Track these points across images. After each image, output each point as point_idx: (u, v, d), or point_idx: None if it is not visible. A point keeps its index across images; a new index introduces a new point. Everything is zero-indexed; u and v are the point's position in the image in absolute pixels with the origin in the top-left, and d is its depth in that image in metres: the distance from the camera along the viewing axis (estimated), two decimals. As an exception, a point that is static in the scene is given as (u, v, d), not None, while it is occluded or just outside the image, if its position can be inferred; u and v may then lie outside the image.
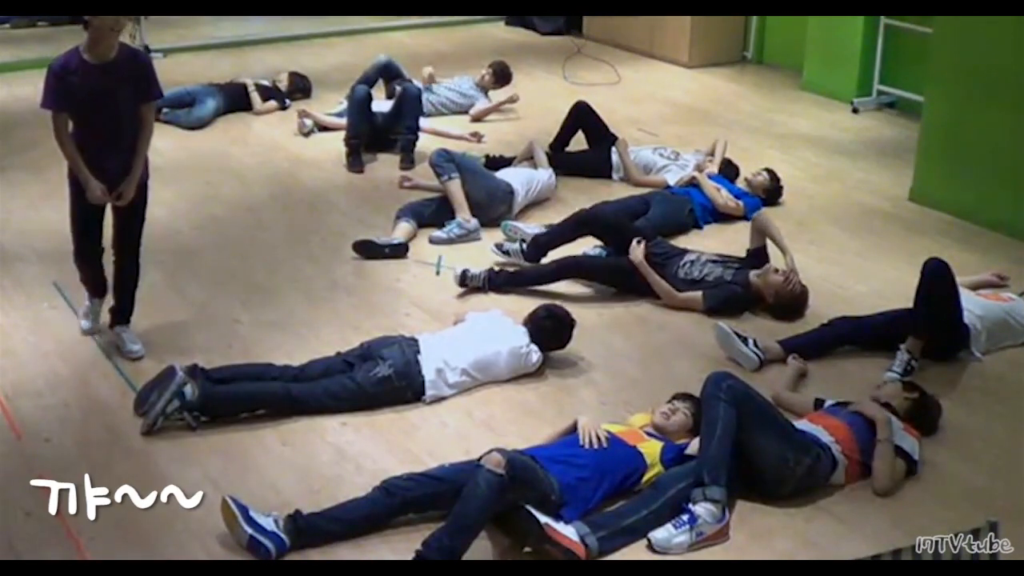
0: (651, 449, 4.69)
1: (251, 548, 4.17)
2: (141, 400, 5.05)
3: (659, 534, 4.30)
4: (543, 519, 4.19)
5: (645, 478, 4.61)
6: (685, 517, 4.32)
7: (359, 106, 8.31)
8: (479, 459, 4.30)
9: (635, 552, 4.29)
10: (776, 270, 6.17)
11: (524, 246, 6.60)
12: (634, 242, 6.29)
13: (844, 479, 4.71)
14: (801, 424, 4.80)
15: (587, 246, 6.70)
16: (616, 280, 6.35)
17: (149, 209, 5.68)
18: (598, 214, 6.78)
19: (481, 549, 4.28)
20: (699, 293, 6.13)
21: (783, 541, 4.40)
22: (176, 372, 4.96)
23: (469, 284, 6.30)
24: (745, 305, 6.16)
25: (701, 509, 4.32)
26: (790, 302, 6.11)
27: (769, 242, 6.35)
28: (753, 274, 6.18)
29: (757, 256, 6.31)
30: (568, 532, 4.22)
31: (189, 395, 4.92)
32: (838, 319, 5.88)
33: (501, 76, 9.54)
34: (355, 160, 8.22)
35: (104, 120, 5.32)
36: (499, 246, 6.70)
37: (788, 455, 4.53)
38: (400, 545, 4.29)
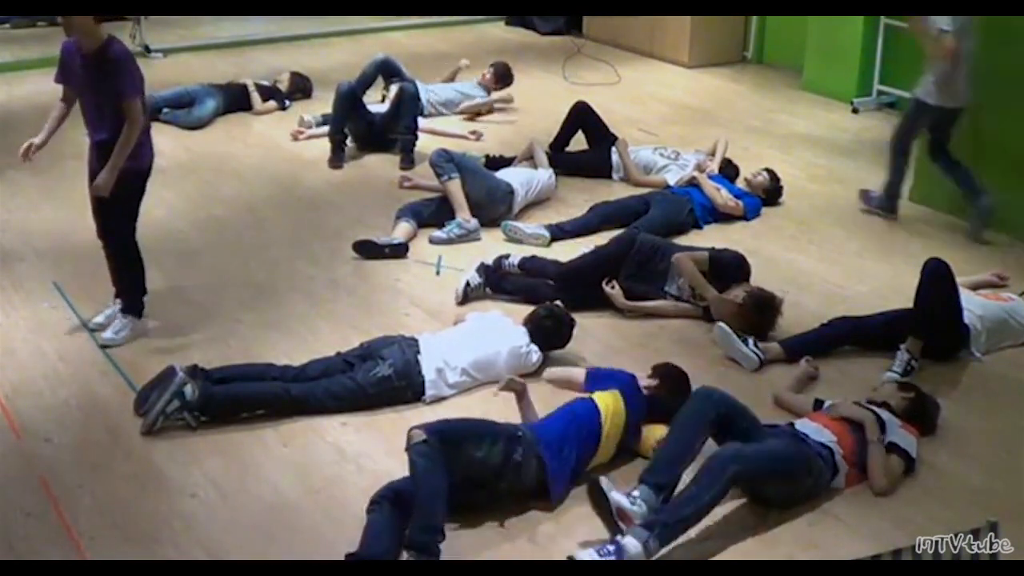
0: (606, 398, 4.76)
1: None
2: (141, 400, 5.06)
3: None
4: (615, 498, 4.27)
5: (607, 424, 4.67)
6: (611, 548, 4.10)
7: (340, 103, 8.34)
8: None
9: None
10: (729, 306, 5.94)
11: (521, 262, 6.41)
12: (605, 288, 6.10)
13: (844, 483, 4.70)
14: (801, 423, 4.79)
15: (586, 246, 6.70)
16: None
17: (150, 209, 5.70)
18: (574, 272, 6.33)
19: (481, 549, 4.29)
20: (699, 310, 6.11)
21: (784, 542, 4.40)
22: (176, 372, 4.96)
23: (470, 296, 6.24)
24: None
25: (629, 543, 4.08)
26: (748, 326, 5.86)
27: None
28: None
29: (722, 277, 6.13)
30: (631, 539, 4.10)
31: (189, 395, 4.92)
32: (838, 319, 5.88)
33: (501, 76, 9.61)
34: (336, 156, 8.29)
35: (86, 106, 5.52)
36: (497, 263, 6.39)
37: (795, 490, 4.54)
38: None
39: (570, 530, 4.43)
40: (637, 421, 4.81)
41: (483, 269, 6.30)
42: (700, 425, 4.52)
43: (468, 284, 6.25)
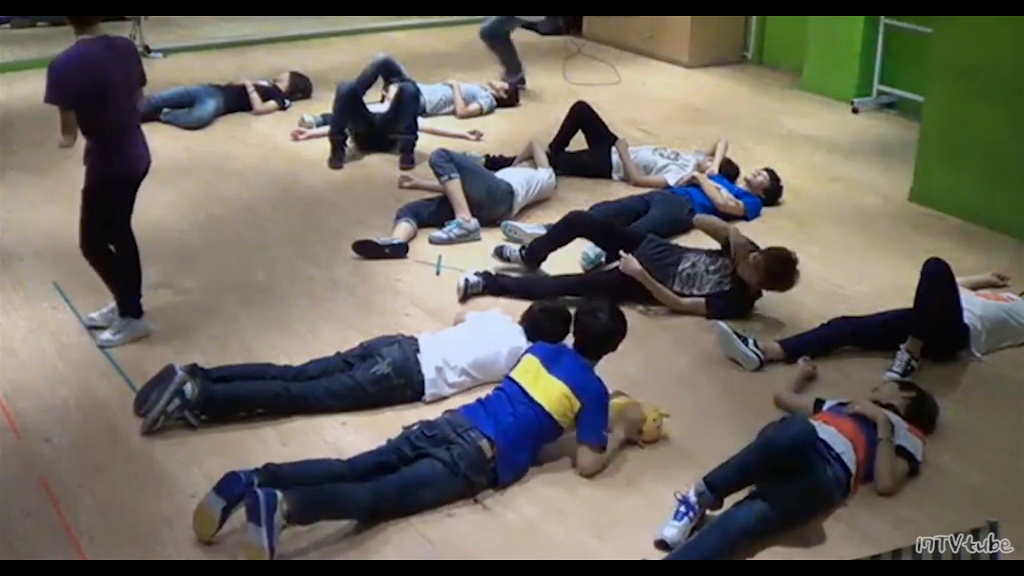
0: (551, 393, 4.79)
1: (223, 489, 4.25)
2: (141, 400, 5.06)
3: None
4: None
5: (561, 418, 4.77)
6: (683, 508, 4.35)
7: (341, 103, 8.35)
8: None
9: (635, 551, 4.29)
10: (746, 254, 6.11)
11: (523, 251, 6.56)
12: (622, 255, 6.25)
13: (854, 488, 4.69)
14: (821, 429, 4.68)
15: (587, 244, 6.70)
16: (618, 294, 6.31)
17: (150, 209, 5.74)
18: (584, 217, 6.72)
19: (477, 548, 4.30)
20: (701, 301, 6.14)
21: (785, 541, 4.39)
22: (176, 371, 4.96)
23: (470, 293, 6.27)
24: (748, 305, 6.18)
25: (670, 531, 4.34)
26: (770, 275, 6.03)
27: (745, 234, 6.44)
28: (739, 270, 6.17)
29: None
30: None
31: (189, 394, 4.92)
32: (838, 319, 5.88)
33: (512, 97, 9.77)
34: (336, 156, 8.30)
35: None
36: (499, 250, 6.64)
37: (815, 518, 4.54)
38: (402, 546, 4.30)
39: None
40: (550, 355, 4.91)
41: (484, 276, 6.33)
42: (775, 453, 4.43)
43: (467, 282, 6.26)
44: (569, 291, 6.20)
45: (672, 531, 4.30)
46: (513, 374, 4.92)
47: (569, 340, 5.10)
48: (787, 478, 4.38)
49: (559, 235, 6.60)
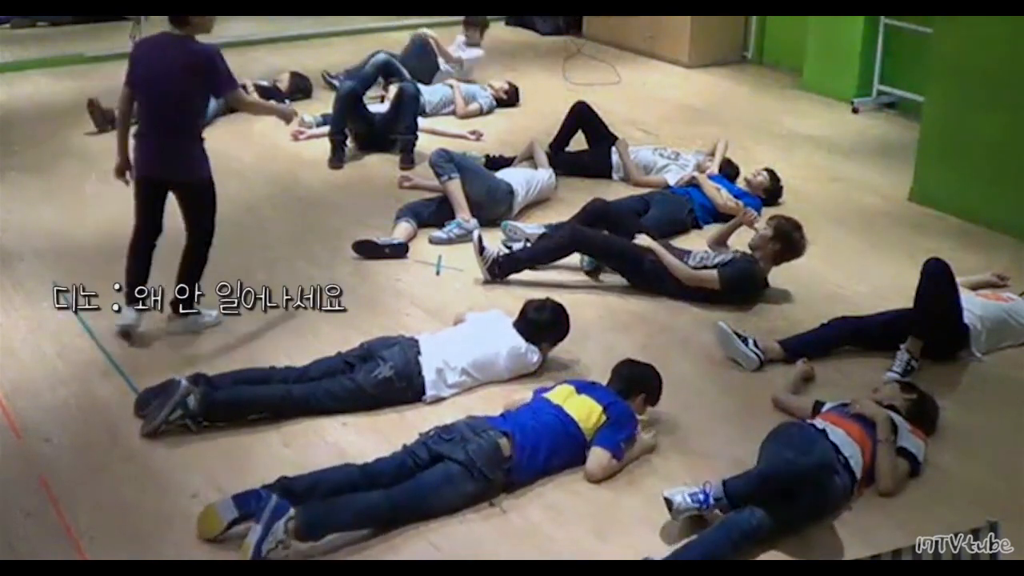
0: (580, 406, 4.81)
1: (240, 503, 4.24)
2: (142, 403, 5.04)
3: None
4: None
5: (586, 427, 4.77)
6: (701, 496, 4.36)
7: (342, 103, 8.36)
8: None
9: (635, 551, 4.29)
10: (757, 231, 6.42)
11: (498, 259, 6.48)
12: (638, 235, 6.42)
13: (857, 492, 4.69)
14: (830, 430, 4.70)
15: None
16: (620, 261, 6.38)
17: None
18: (583, 235, 6.56)
19: (481, 550, 4.30)
20: (714, 272, 6.22)
21: (784, 541, 4.38)
22: (180, 383, 4.92)
23: (485, 252, 6.37)
24: (758, 281, 6.27)
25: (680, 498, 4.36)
26: (784, 242, 6.27)
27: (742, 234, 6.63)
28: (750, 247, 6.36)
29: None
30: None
31: (192, 405, 4.89)
32: (838, 319, 5.88)
33: (512, 97, 9.78)
34: (336, 156, 8.30)
35: None
36: (506, 244, 6.73)
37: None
38: (407, 549, 4.31)
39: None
40: (585, 384, 4.96)
41: (501, 259, 6.42)
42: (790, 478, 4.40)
43: (483, 244, 6.38)
44: (575, 246, 6.47)
45: (679, 498, 4.31)
46: (544, 395, 4.94)
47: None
48: (796, 494, 4.37)
49: (555, 251, 6.54)
